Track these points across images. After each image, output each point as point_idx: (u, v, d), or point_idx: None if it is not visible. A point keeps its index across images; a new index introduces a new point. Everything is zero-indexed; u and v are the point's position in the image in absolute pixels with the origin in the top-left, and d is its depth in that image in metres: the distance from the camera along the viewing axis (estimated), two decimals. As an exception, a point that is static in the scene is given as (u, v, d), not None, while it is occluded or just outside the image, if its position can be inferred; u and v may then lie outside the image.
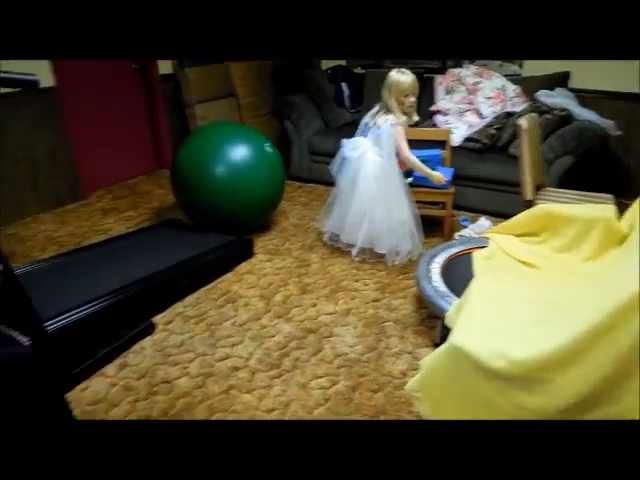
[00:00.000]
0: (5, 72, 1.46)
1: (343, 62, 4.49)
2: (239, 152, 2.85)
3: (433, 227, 3.12)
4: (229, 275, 2.68)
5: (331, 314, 2.34)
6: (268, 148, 3.00)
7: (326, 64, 4.60)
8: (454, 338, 1.45)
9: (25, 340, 0.99)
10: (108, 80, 3.97)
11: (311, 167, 4.08)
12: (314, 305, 2.41)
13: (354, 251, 2.80)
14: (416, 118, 2.83)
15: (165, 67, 4.28)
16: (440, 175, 2.77)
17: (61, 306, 1.95)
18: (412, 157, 2.71)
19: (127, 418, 1.74)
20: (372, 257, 2.79)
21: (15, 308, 1.22)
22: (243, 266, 2.78)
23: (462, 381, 1.43)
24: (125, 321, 2.13)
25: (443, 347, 1.48)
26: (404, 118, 2.71)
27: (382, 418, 1.74)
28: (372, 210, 2.69)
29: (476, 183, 3.39)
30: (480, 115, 3.65)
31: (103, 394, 1.85)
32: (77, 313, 1.95)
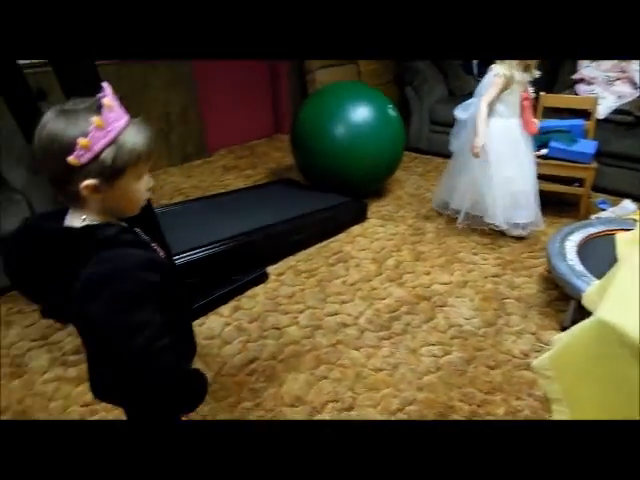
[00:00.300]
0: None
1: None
2: (360, 113, 2.78)
3: (563, 207, 2.83)
4: (341, 236, 2.65)
5: (446, 284, 2.21)
6: (391, 111, 2.89)
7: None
8: (602, 313, 1.26)
9: (162, 252, 1.02)
10: (237, 43, 4.09)
11: (430, 138, 3.89)
12: (428, 273, 2.30)
13: (460, 217, 2.61)
14: (537, 74, 2.48)
15: (291, 31, 4.31)
16: (477, 143, 2.33)
17: (186, 244, 2.05)
18: (483, 109, 2.35)
19: (238, 356, 1.79)
20: (475, 224, 2.60)
21: (153, 233, 1.27)
22: (356, 229, 2.73)
23: (606, 363, 1.25)
24: (241, 267, 2.19)
25: (586, 322, 1.30)
26: (514, 72, 2.35)
27: (498, 396, 1.61)
28: (485, 175, 2.45)
29: (622, 162, 2.99)
30: (634, 85, 3.19)
31: (218, 331, 1.92)
32: (199, 252, 2.04)
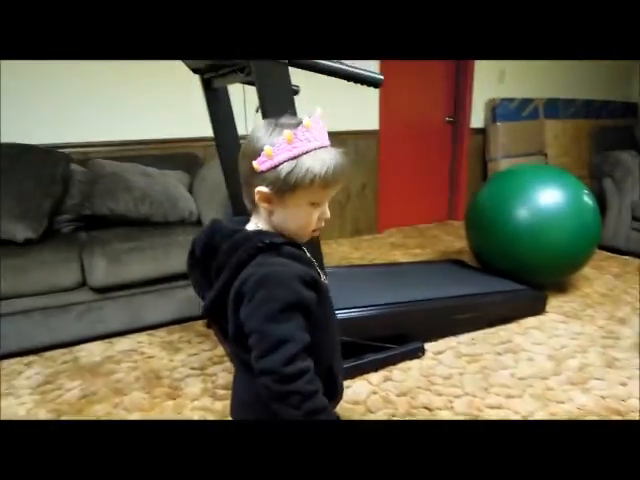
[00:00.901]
0: (354, 67, 1.63)
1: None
2: (548, 196, 2.54)
3: None
4: (512, 325, 2.36)
5: (649, 402, 1.76)
6: (586, 197, 2.59)
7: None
8: None
9: (324, 278, 0.99)
10: (422, 129, 4.25)
11: (630, 236, 3.38)
12: (624, 384, 1.86)
13: None
14: None
15: (477, 121, 4.33)
16: None
17: (344, 302, 2.01)
18: None
19: (381, 430, 1.62)
20: None
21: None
22: (530, 320, 2.41)
23: None
24: (397, 336, 2.06)
25: None
26: None
27: None
28: None
29: None
30: None
31: (363, 398, 1.79)
32: (355, 312, 1.98)
